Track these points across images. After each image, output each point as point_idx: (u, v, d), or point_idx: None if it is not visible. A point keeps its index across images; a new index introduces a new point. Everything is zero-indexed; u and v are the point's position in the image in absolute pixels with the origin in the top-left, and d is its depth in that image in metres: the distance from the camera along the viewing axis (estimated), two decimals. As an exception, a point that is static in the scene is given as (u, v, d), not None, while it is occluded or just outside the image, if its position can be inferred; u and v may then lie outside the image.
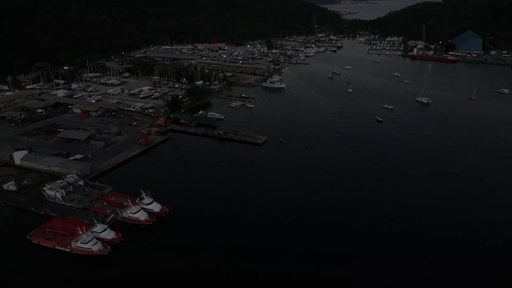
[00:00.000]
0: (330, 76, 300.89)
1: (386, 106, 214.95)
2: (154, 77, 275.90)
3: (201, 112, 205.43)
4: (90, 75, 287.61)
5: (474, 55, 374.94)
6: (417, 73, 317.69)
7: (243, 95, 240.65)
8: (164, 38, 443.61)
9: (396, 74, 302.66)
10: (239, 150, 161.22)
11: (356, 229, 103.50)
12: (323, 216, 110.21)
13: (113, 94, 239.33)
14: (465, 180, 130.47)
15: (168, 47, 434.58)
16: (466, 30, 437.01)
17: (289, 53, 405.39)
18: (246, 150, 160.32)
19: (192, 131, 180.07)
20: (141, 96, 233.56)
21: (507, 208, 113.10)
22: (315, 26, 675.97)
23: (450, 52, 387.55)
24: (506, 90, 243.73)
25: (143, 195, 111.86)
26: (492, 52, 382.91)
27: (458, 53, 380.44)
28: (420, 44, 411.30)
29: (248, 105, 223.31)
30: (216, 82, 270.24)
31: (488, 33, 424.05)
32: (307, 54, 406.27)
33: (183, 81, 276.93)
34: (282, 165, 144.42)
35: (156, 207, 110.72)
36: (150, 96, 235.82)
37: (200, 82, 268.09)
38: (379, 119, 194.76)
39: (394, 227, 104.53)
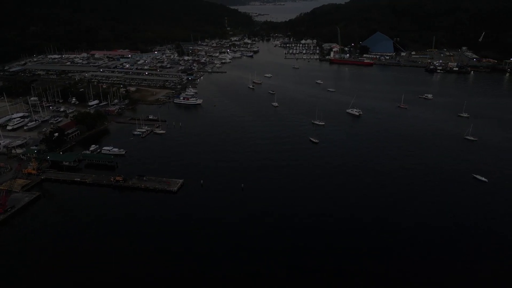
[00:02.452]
0: (251, 86, 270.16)
1: (317, 123, 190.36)
2: (32, 98, 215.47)
3: (93, 147, 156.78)
4: None
5: (387, 57, 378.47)
6: (339, 79, 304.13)
7: (150, 117, 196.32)
8: (51, 45, 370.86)
9: (319, 81, 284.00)
10: (147, 202, 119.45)
11: None
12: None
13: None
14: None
15: (56, 56, 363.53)
16: (375, 32, 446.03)
17: (203, 60, 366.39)
18: (155, 203, 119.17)
19: (79, 179, 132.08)
20: (9, 128, 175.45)
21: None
22: (228, 29, 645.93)
23: (364, 55, 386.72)
24: (430, 95, 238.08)
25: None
26: (403, 54, 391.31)
27: (372, 56, 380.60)
28: (336, 47, 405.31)
29: (157, 130, 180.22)
30: (116, 101, 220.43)
31: (395, 35, 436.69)
32: (223, 61, 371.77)
33: (72, 102, 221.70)
34: (205, 223, 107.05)
35: None
36: (23, 127, 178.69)
37: (94, 103, 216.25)
38: (314, 140, 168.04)
39: None
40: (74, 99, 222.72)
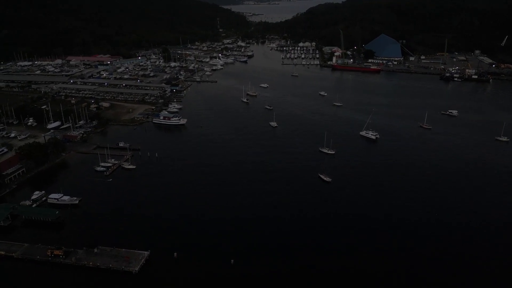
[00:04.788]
0: (245, 100, 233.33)
1: (326, 151, 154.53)
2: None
3: (36, 195, 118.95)
4: None
5: (395, 63, 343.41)
6: (344, 89, 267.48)
7: (121, 145, 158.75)
8: (21, 51, 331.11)
9: (322, 93, 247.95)
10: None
11: None
12: None
13: None
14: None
15: (27, 63, 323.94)
16: (379, 34, 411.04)
17: (191, 66, 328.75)
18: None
19: (3, 252, 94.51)
20: None
21: None
22: (220, 30, 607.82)
23: (370, 60, 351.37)
24: (455, 112, 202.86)
25: None
26: (411, 58, 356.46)
27: (378, 61, 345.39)
28: (338, 51, 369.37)
29: (126, 165, 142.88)
30: (82, 122, 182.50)
31: (399, 37, 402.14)
32: (214, 67, 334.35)
33: (29, 123, 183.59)
34: None
35: None
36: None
37: (54, 125, 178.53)
38: (324, 178, 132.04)
39: None
40: (31, 120, 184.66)
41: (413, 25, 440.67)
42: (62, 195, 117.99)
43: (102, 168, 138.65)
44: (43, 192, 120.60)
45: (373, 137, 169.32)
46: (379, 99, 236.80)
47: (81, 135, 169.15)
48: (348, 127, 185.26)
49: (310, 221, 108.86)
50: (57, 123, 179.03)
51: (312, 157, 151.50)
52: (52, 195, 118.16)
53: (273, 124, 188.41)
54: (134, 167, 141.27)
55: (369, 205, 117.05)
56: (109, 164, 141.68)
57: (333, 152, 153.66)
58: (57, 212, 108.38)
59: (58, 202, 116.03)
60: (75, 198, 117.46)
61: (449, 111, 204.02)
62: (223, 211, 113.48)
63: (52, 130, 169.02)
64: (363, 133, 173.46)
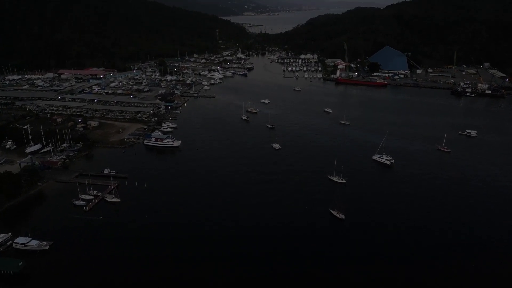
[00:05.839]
0: (245, 118, 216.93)
1: (336, 180, 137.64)
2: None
3: (1, 238, 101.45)
4: None
5: (402, 76, 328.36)
6: (351, 105, 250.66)
7: (106, 172, 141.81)
8: (9, 64, 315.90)
9: (327, 110, 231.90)
10: None
11: None
12: None
13: None
14: None
15: (16, 77, 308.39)
16: (384, 46, 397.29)
17: (189, 80, 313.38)
18: None
19: None
20: None
21: None
22: (219, 42, 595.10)
23: (375, 73, 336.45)
24: (473, 132, 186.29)
25: None
26: (418, 71, 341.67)
27: (384, 74, 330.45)
28: (341, 64, 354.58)
29: (110, 198, 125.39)
30: (65, 145, 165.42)
31: (403, 48, 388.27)
32: (212, 81, 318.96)
33: (7, 147, 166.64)
34: None
35: None
36: None
37: (34, 148, 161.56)
38: (337, 214, 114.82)
39: None
40: (10, 143, 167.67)
41: (418, 37, 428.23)
42: (31, 238, 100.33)
43: (81, 202, 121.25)
44: (9, 234, 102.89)
45: (388, 162, 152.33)
46: (389, 116, 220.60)
47: (63, 160, 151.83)
48: (359, 150, 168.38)
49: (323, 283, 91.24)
50: (37, 146, 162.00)
51: (321, 187, 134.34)
52: (19, 239, 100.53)
53: (276, 146, 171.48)
54: (119, 200, 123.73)
55: (389, 249, 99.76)
56: (90, 197, 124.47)
57: (344, 181, 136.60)
58: (20, 264, 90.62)
59: (25, 248, 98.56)
60: (45, 242, 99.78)
61: (467, 131, 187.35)
62: (218, 261, 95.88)
63: (29, 156, 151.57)
64: (376, 157, 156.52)
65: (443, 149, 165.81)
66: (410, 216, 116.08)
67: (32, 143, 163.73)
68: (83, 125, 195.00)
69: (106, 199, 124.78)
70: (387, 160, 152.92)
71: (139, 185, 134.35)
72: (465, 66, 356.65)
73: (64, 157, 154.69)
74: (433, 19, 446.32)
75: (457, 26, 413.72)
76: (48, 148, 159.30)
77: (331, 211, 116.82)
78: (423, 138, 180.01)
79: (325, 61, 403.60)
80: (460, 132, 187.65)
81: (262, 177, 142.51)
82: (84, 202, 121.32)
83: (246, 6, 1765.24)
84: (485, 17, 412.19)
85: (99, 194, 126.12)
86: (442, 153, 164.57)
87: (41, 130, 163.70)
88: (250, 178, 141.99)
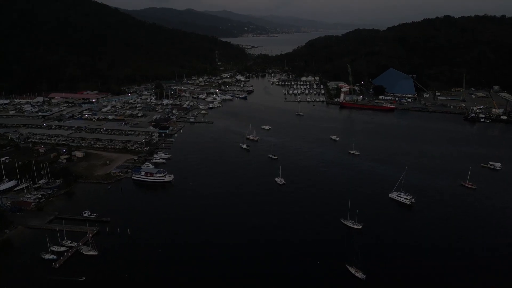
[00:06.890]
0: (244, 146, 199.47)
1: (351, 225, 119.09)
2: None
3: None
4: None
5: (409, 100, 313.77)
6: (358, 132, 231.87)
7: (86, 215, 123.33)
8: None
9: (334, 137, 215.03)
10: None
11: None
12: None
13: None
14: None
15: (4, 101, 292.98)
16: (386, 68, 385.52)
17: (185, 104, 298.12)
18: None
19: None
20: None
21: None
22: (219, 63, 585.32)
23: (381, 97, 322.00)
24: (497, 165, 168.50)
25: None
26: (426, 95, 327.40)
27: (390, 98, 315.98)
28: (345, 87, 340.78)
29: (85, 250, 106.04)
30: (43, 181, 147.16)
31: (407, 71, 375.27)
32: (211, 105, 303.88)
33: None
34: None
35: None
36: None
37: (8, 185, 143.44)
38: (354, 272, 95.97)
39: None
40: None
41: (423, 59, 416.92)
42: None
43: (50, 256, 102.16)
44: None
45: (407, 202, 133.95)
46: (401, 145, 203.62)
47: (37, 200, 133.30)
48: (373, 185, 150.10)
49: None
50: (11, 183, 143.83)
51: (334, 235, 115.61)
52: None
53: (280, 180, 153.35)
54: (96, 253, 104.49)
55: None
56: (62, 249, 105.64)
57: (360, 227, 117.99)
58: None
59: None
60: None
61: (490, 163, 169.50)
62: None
63: (2, 194, 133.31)
64: (393, 195, 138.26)
65: (468, 184, 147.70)
66: (437, 271, 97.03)
67: (7, 179, 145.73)
68: (67, 156, 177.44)
69: (81, 251, 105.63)
70: (407, 199, 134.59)
71: (122, 232, 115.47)
72: (473, 89, 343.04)
73: (40, 196, 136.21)
74: (437, 40, 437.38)
75: (462, 48, 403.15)
76: (22, 186, 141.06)
77: (349, 267, 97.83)
78: (443, 172, 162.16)
79: (328, 84, 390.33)
80: (482, 164, 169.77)
81: (264, 219, 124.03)
82: (55, 256, 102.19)
83: (245, 28, 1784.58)
84: (489, 38, 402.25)
85: (73, 245, 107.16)
86: (467, 189, 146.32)
87: (16, 164, 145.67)
88: (250, 220, 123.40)
